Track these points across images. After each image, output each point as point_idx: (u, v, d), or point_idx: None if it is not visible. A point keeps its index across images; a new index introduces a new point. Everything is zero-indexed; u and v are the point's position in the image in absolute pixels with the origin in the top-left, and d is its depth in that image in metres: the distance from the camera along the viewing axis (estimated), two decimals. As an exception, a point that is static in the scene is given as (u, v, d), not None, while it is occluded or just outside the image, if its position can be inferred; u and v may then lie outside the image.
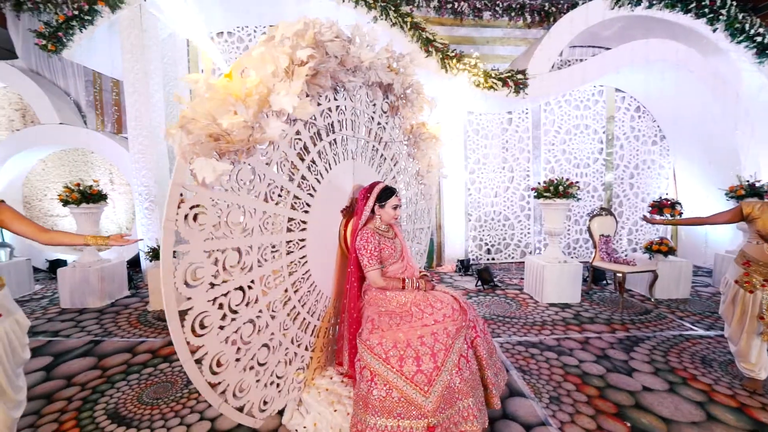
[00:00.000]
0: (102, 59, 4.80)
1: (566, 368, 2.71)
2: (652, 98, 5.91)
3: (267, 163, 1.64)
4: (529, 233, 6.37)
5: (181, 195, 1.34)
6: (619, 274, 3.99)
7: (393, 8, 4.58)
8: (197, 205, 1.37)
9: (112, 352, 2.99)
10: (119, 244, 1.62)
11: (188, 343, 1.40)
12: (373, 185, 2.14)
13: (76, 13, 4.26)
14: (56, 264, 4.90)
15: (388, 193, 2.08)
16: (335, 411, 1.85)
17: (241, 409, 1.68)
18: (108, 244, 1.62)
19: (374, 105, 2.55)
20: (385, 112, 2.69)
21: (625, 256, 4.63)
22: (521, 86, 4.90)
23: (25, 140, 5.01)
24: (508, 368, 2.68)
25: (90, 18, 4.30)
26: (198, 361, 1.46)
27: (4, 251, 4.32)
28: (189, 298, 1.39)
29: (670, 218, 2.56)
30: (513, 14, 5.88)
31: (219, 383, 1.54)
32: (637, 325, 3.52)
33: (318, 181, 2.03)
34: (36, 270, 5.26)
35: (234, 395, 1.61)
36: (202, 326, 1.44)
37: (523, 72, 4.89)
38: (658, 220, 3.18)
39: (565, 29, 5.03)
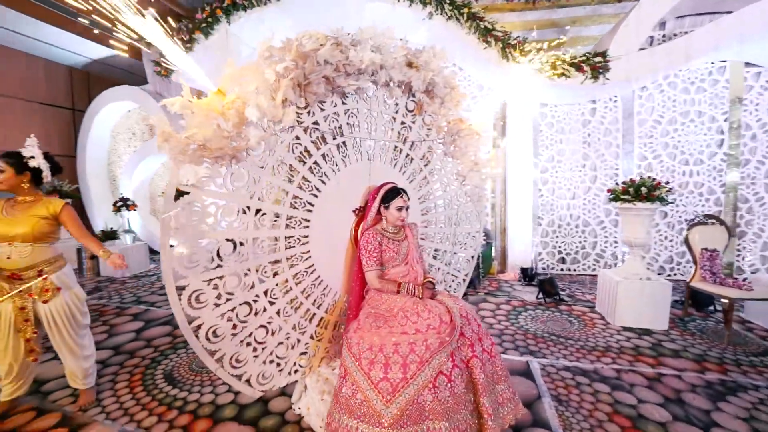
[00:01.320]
0: (200, 79, 5.73)
1: (617, 406, 2.27)
2: (805, 71, 4.46)
3: (261, 167, 1.77)
4: (615, 242, 5.45)
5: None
6: (724, 300, 3.14)
7: (448, 1, 4.40)
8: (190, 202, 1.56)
9: (185, 324, 3.57)
10: (112, 263, 2.01)
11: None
12: (381, 186, 2.12)
13: (181, 42, 5.16)
14: (168, 248, 6.04)
15: (392, 194, 2.04)
16: (322, 400, 1.91)
17: (239, 378, 1.85)
18: (105, 257, 2.02)
19: (396, 104, 2.51)
20: (410, 111, 2.62)
21: (748, 277, 3.61)
22: (600, 71, 4.21)
23: (150, 148, 6.28)
24: (542, 395, 2.37)
25: (190, 46, 5.18)
26: (196, 332, 1.68)
27: (129, 236, 5.52)
28: (185, 277, 1.60)
29: None
30: (599, -12, 5.08)
31: (216, 351, 1.74)
32: (743, 368, 2.73)
33: (323, 182, 2.10)
34: (153, 251, 6.59)
35: (231, 364, 1.79)
36: (198, 301, 1.64)
37: (602, 54, 4.19)
38: None
39: (662, -4, 4.15)
